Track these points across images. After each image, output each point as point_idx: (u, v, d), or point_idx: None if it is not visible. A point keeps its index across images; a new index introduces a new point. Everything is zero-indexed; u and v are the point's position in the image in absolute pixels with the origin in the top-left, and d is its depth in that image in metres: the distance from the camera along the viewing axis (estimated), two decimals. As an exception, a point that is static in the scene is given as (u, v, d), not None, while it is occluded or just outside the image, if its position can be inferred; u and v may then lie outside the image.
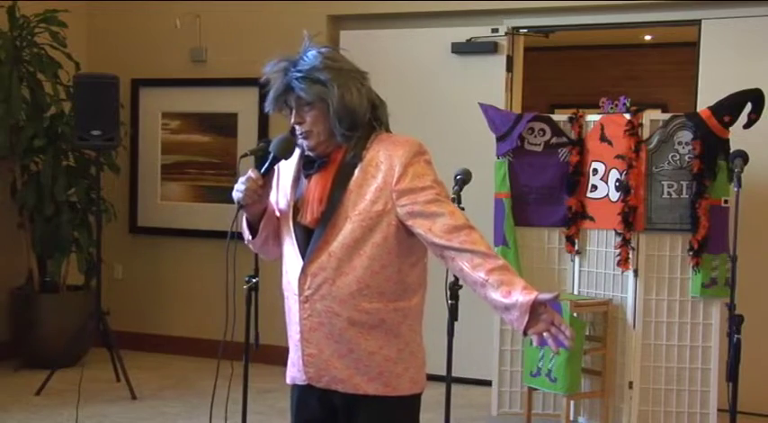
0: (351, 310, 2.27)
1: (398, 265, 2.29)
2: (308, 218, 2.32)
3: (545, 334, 2.10)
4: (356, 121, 2.29)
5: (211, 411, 2.53)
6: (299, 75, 2.26)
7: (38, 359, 5.78)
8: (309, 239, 2.31)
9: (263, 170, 2.34)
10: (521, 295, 2.11)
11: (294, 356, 2.41)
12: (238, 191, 2.32)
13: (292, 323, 2.39)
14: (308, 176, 2.36)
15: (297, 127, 2.32)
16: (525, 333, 2.12)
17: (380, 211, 2.25)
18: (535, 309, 2.09)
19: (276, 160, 2.34)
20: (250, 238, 2.45)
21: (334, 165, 2.31)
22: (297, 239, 2.35)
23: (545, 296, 2.08)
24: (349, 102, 2.26)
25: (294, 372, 2.42)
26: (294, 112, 2.31)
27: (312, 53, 2.29)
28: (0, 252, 6.06)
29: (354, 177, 2.28)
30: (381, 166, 2.26)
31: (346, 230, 2.26)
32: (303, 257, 2.32)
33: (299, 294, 2.33)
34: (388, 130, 2.40)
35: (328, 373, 2.33)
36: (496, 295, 2.16)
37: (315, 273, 2.30)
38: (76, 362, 5.85)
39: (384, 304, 2.28)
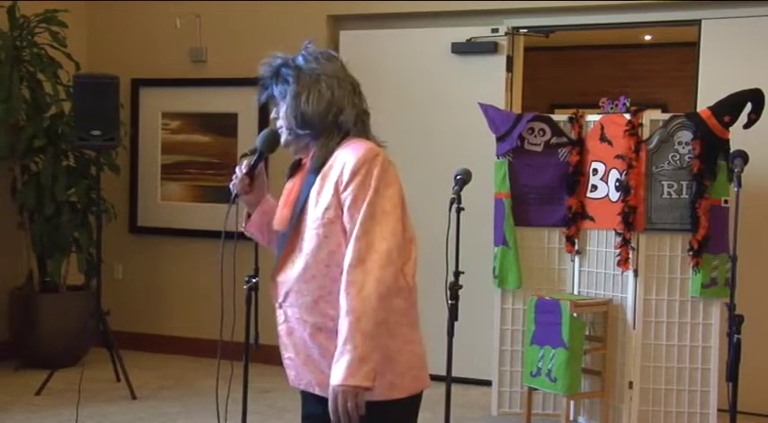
0: (317, 317, 2.28)
1: None
2: (276, 222, 2.38)
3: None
4: (307, 121, 2.30)
5: (218, 411, 2.53)
6: (273, 71, 2.35)
7: (38, 359, 5.78)
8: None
9: (251, 163, 2.43)
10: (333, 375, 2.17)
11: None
12: (232, 180, 2.44)
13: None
14: (288, 181, 2.43)
15: (276, 122, 2.40)
16: None
17: (332, 218, 2.23)
18: None
19: (261, 154, 2.42)
20: (243, 225, 2.53)
21: (304, 169, 2.37)
22: (278, 245, 2.41)
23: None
24: (302, 102, 2.29)
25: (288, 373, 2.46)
26: (276, 107, 2.39)
27: (300, 54, 2.36)
28: (0, 252, 6.06)
29: (316, 184, 2.29)
30: (334, 173, 2.25)
31: (306, 238, 2.27)
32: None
33: (275, 301, 2.38)
34: (363, 136, 2.35)
35: (305, 376, 2.36)
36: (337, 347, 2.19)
37: (282, 281, 2.34)
38: (76, 362, 5.85)
39: None
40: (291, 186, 2.38)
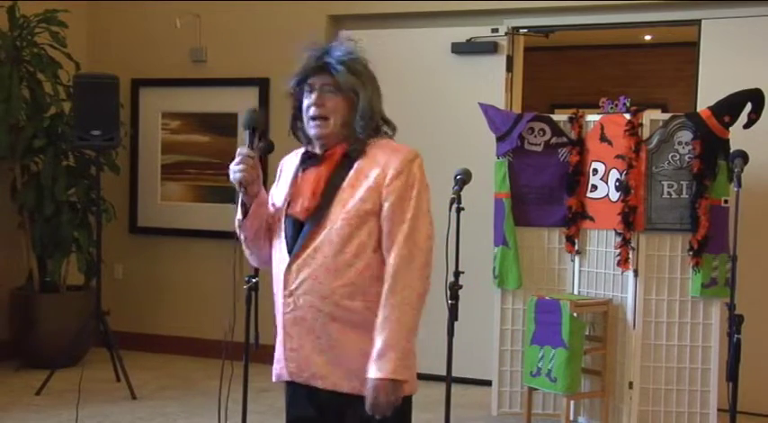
0: (332, 307, 2.29)
1: (384, 266, 2.30)
2: (297, 209, 2.35)
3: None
4: (373, 122, 2.37)
5: (219, 412, 2.53)
6: (341, 57, 2.34)
7: (38, 359, 5.78)
8: (298, 235, 2.34)
9: (247, 144, 2.40)
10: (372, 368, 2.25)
11: (278, 352, 2.44)
12: (237, 171, 2.34)
13: (278, 319, 2.41)
14: (305, 170, 2.40)
15: (313, 109, 2.35)
16: None
17: (368, 211, 2.28)
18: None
19: (254, 131, 2.42)
20: (241, 217, 2.42)
21: (332, 161, 2.36)
22: (286, 233, 2.38)
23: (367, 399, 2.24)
24: (375, 103, 2.37)
25: (279, 368, 2.44)
26: (316, 93, 2.35)
27: (353, 48, 2.38)
28: (0, 252, 6.06)
29: (349, 176, 2.32)
30: (376, 168, 2.30)
31: (334, 228, 2.29)
32: (290, 253, 2.35)
33: (284, 289, 2.35)
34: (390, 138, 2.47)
35: (309, 368, 2.35)
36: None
37: (300, 268, 2.32)
38: (76, 362, 5.84)
39: (367, 303, 2.28)
40: (315, 176, 2.36)
